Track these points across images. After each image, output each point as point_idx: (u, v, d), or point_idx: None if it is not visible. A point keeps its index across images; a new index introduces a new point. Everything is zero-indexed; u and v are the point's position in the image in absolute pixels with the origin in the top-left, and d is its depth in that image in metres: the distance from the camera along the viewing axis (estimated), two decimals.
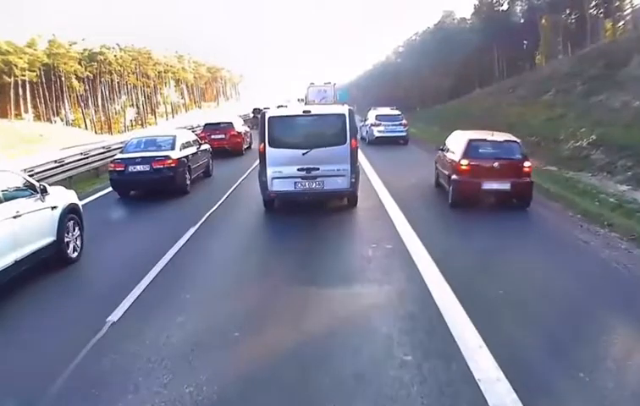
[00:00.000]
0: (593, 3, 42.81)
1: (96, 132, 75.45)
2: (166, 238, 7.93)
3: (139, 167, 11.59)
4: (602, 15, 42.42)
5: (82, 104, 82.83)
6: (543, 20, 46.20)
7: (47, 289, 6.21)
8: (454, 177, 9.83)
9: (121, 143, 17.64)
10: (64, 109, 79.85)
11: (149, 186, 11.90)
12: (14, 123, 61.56)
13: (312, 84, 31.22)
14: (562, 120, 20.18)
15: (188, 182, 12.43)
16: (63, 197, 7.32)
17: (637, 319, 5.05)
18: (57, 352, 4.53)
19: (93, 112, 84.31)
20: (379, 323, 4.93)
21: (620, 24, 42.43)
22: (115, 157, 12.51)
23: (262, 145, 9.30)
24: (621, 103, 18.27)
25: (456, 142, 10.54)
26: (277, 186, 9.29)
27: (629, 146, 13.70)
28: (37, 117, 73.40)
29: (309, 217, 9.28)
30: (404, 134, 22.96)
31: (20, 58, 70.79)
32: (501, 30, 46.69)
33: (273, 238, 8.82)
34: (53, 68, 77.05)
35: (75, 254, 7.20)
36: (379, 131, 22.74)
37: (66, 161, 15.08)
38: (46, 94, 76.40)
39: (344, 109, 9.57)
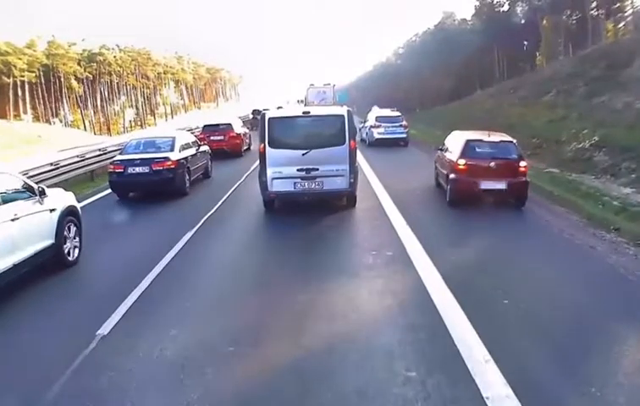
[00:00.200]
0: (594, 4, 42.75)
1: (95, 133, 75.25)
2: (164, 242, 7.88)
3: (138, 169, 11.53)
4: (603, 16, 42.35)
5: (81, 105, 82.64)
6: (544, 21, 46.12)
7: (47, 291, 6.12)
8: (452, 176, 10.01)
9: (118, 145, 17.53)
10: (63, 110, 79.67)
11: (148, 188, 11.84)
12: (13, 123, 61.41)
13: (312, 85, 31.35)
14: (564, 121, 20.05)
15: (187, 183, 12.40)
16: (61, 199, 7.19)
17: None
18: (53, 356, 4.50)
19: (92, 113, 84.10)
20: (380, 333, 4.79)
21: (621, 25, 42.39)
22: (114, 159, 12.43)
23: (262, 145, 9.38)
24: (624, 104, 18.14)
25: (454, 142, 10.73)
26: (277, 186, 9.36)
27: (632, 148, 13.57)
28: (36, 118, 73.21)
29: (308, 217, 9.25)
30: (404, 135, 22.76)
31: (19, 59, 70.60)
32: (502, 31, 46.70)
33: (270, 242, 8.69)
34: (52, 68, 76.89)
35: (74, 257, 7.08)
36: (379, 133, 22.53)
37: (61, 163, 14.90)
38: (46, 95, 76.21)
39: (343, 110, 9.65)
